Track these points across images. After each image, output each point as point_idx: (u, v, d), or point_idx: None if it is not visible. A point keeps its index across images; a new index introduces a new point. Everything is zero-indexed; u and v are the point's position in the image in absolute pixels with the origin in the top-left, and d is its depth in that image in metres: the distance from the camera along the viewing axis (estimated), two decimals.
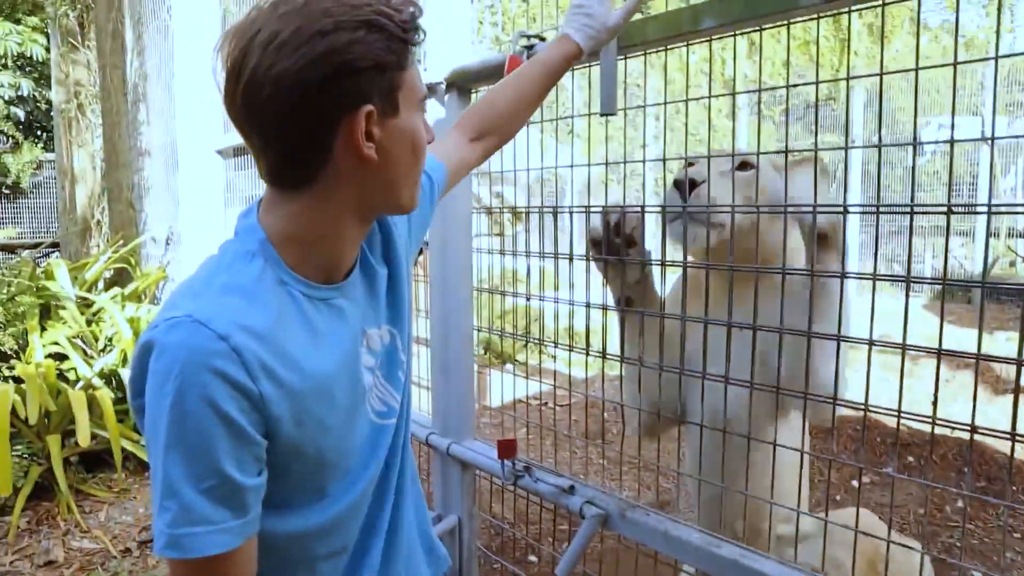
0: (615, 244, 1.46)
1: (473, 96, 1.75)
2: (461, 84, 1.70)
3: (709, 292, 1.34)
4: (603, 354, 1.58)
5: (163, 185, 4.85)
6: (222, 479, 0.77)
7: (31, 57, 12.72)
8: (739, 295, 1.26)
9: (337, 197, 0.86)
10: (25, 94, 13.30)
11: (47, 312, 4.21)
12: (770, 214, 1.30)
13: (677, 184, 1.36)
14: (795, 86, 1.18)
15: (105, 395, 3.47)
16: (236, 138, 3.15)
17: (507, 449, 1.61)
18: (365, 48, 0.80)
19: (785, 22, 1.09)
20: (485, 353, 5.70)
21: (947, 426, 0.99)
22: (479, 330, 1.91)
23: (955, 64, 0.96)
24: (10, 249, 10.30)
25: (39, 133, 14.38)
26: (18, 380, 3.53)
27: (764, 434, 1.26)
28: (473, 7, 1.67)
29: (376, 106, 0.83)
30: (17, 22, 13.14)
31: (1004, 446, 2.11)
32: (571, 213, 1.58)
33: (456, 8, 1.75)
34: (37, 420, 3.25)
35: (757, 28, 1.12)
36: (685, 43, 1.24)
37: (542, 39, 1.44)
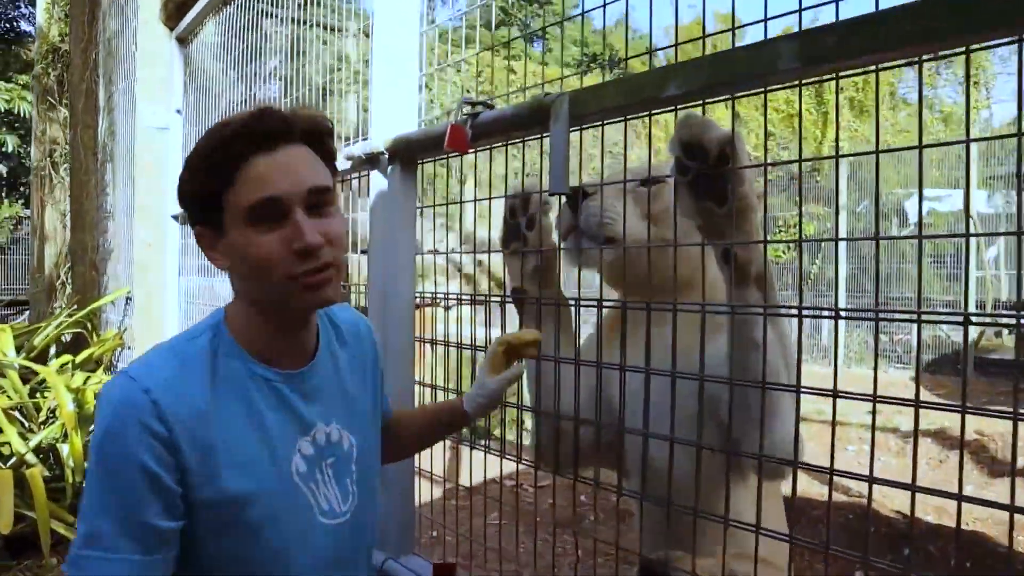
0: (517, 228, 1.31)
1: (419, 169, 1.56)
2: (404, 154, 1.52)
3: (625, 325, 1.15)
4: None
5: (125, 248, 4.65)
6: (130, 514, 0.85)
7: (19, 114, 12.68)
8: (657, 332, 1.08)
9: (239, 291, 1.01)
10: (9, 150, 13.21)
11: None
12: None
13: (568, 200, 1.23)
14: (773, 164, 1.00)
15: (37, 473, 3.18)
16: None
17: (444, 573, 1.38)
18: (189, 183, 0.95)
19: (762, 89, 0.91)
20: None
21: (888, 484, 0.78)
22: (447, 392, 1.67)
23: (920, 148, 0.80)
24: None
25: (21, 189, 14.23)
26: None
27: (715, 505, 1.03)
28: (420, 74, 1.50)
29: (205, 227, 0.97)
30: (8, 80, 13.14)
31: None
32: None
33: (404, 74, 1.59)
34: None
35: (730, 96, 0.94)
36: (647, 112, 1.06)
37: (489, 106, 1.27)
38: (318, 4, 2.21)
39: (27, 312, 8.47)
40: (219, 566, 0.93)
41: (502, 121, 1.22)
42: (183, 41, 3.20)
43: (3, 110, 12.66)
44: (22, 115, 12.49)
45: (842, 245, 9.00)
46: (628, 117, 1.10)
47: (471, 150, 1.32)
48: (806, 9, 0.88)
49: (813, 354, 9.03)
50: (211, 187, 0.93)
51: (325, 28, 2.27)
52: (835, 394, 0.88)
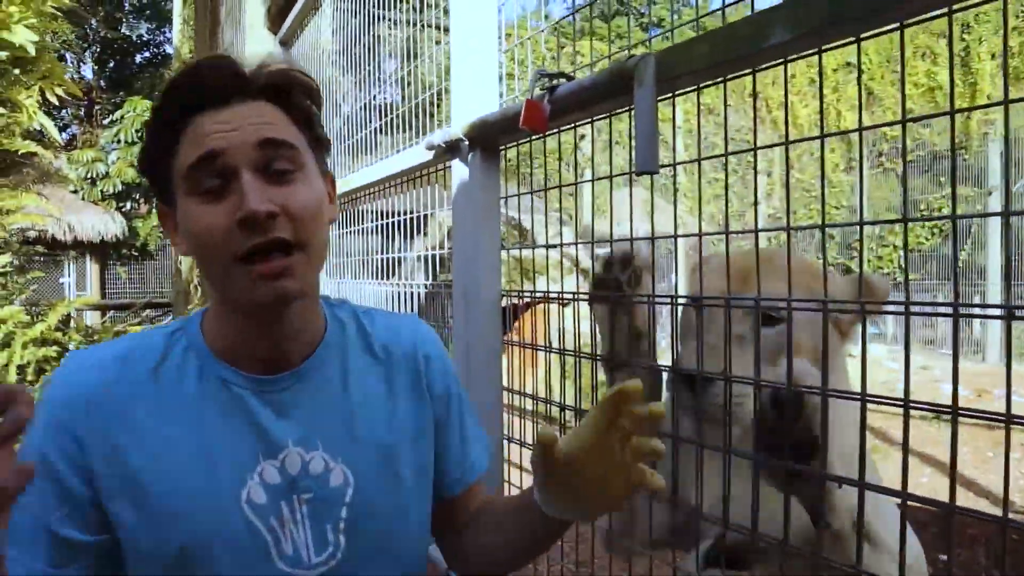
0: (617, 283, 1.11)
1: (502, 155, 1.43)
2: (484, 141, 1.39)
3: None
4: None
5: None
6: (35, 518, 0.75)
7: None
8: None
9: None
10: None
11: None
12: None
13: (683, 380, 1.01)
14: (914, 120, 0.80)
15: None
16: None
17: None
18: (139, 152, 0.82)
19: (896, 25, 0.71)
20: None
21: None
22: (564, 408, 1.54)
23: None
24: (129, 308, 10.80)
25: None
26: None
27: None
28: (501, 52, 1.37)
29: (163, 205, 0.82)
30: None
31: None
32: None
33: (482, 52, 1.46)
34: None
35: (854, 38, 0.75)
36: (749, 69, 0.88)
37: (568, 78, 1.12)
38: (432, 6, 2.11)
39: (170, 315, 9.10)
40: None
41: (581, 92, 1.07)
42: (286, 43, 3.22)
43: None
44: None
45: (996, 229, 8.18)
46: (727, 77, 0.92)
47: (550, 129, 1.17)
48: None
49: (963, 349, 8.23)
50: (156, 154, 0.79)
51: (438, 29, 2.19)
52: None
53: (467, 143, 1.41)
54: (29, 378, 3.54)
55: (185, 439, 0.78)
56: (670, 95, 1.00)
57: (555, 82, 1.11)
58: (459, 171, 1.47)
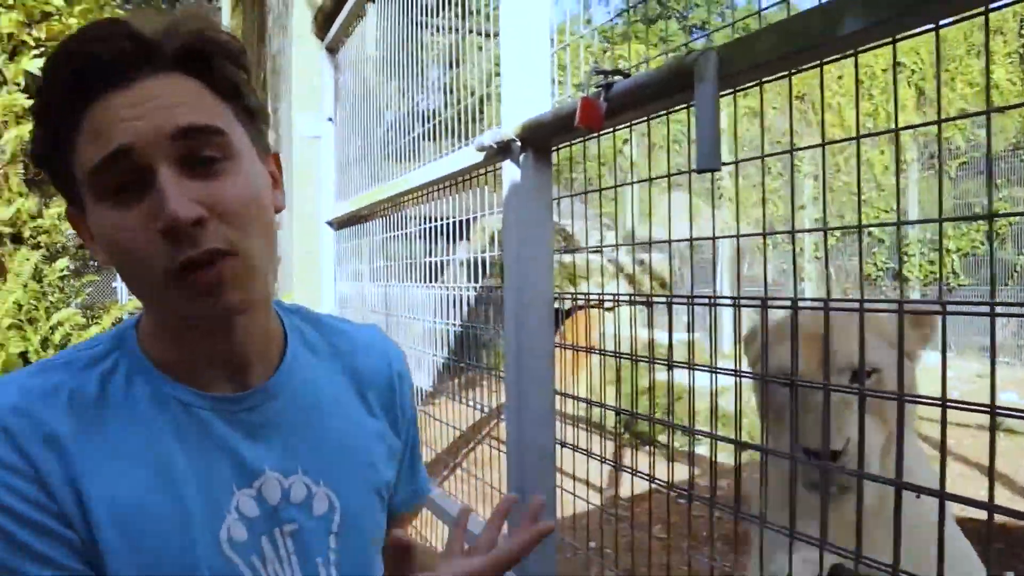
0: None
1: (553, 156, 1.42)
2: (536, 141, 1.38)
3: None
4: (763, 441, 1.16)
5: (288, 257, 4.88)
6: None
7: None
8: None
9: None
10: None
11: None
12: None
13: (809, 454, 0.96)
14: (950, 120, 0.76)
15: None
16: (343, 208, 3.00)
17: None
18: (33, 142, 0.67)
19: (981, 9, 0.68)
20: (625, 433, 5.28)
21: None
22: (620, 412, 1.51)
23: None
24: None
25: None
26: None
27: None
28: (552, 49, 1.35)
29: (71, 206, 0.69)
30: None
31: None
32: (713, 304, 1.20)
33: (534, 51, 1.45)
34: None
35: (933, 25, 0.72)
36: (817, 61, 0.85)
37: (624, 75, 1.10)
38: (475, 13, 2.11)
39: None
40: None
41: (638, 90, 1.05)
42: (332, 50, 3.26)
43: None
44: None
45: None
46: (792, 71, 0.89)
47: (606, 128, 1.16)
48: None
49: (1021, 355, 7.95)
50: (50, 149, 0.65)
51: (481, 34, 2.20)
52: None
53: (519, 144, 1.40)
54: None
55: (148, 478, 0.66)
56: (731, 91, 0.97)
57: (610, 79, 1.09)
58: (510, 172, 1.46)
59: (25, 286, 3.62)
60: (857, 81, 0.80)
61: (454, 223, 2.04)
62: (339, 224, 3.21)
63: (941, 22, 0.71)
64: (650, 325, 1.32)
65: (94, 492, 0.63)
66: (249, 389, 0.73)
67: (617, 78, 1.10)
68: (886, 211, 11.29)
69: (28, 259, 3.63)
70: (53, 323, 3.64)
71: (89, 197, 0.64)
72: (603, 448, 1.84)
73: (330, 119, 3.25)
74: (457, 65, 2.29)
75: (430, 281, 2.23)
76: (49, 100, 0.64)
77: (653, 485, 1.20)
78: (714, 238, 1.08)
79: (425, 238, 2.31)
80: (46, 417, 0.64)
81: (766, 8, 0.97)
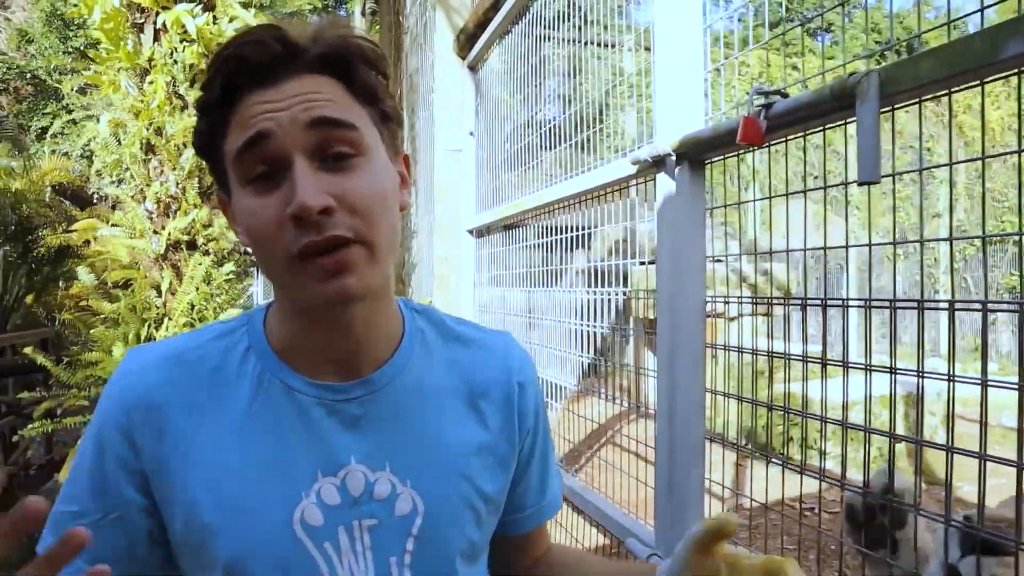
0: (878, 522, 1.12)
1: (706, 169, 1.52)
2: (692, 155, 1.49)
3: None
4: (893, 442, 1.23)
5: (426, 263, 5.16)
6: (70, 508, 0.72)
7: None
8: None
9: None
10: None
11: None
12: None
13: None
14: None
15: None
16: (485, 218, 3.20)
17: None
18: (195, 133, 0.73)
19: None
20: (746, 444, 5.23)
21: None
22: (771, 408, 1.62)
23: None
24: None
25: None
26: None
27: None
28: (706, 71, 1.46)
29: (222, 192, 0.75)
30: None
31: None
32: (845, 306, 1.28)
33: (688, 73, 1.56)
34: None
35: None
36: (978, 81, 0.92)
37: (783, 95, 1.20)
38: (593, 23, 2.27)
39: None
40: None
41: (799, 109, 1.15)
42: (473, 68, 3.47)
43: None
44: None
45: None
46: (952, 90, 0.97)
47: (766, 143, 1.26)
48: None
49: None
50: (207, 138, 0.72)
51: (600, 45, 2.33)
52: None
53: (674, 157, 1.52)
54: None
55: (237, 448, 0.71)
56: (888, 108, 1.06)
57: (770, 99, 1.19)
58: (664, 184, 1.57)
59: (197, 289, 4.00)
60: (1020, 99, 0.87)
61: (588, 234, 2.18)
62: (478, 232, 3.42)
63: None
64: (770, 335, 1.40)
65: (181, 454, 0.71)
66: (354, 379, 0.76)
67: (776, 98, 1.20)
68: None
69: (200, 263, 4.01)
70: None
71: (234, 182, 0.70)
72: (723, 457, 1.91)
73: (471, 133, 3.47)
74: (579, 75, 2.42)
75: (571, 286, 2.38)
76: (208, 96, 0.70)
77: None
78: (847, 246, 1.16)
79: (562, 247, 2.46)
80: (156, 381, 0.73)
81: (928, 30, 1.05)
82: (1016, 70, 0.88)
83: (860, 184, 1.03)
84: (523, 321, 2.77)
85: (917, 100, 1.02)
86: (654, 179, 1.62)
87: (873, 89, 0.99)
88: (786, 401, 1.55)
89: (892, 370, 1.09)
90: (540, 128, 2.61)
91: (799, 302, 1.22)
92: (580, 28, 2.40)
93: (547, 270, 2.59)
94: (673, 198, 1.53)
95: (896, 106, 1.05)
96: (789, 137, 1.27)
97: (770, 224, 1.50)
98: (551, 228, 2.54)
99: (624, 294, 2.03)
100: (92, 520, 0.70)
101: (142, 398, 0.72)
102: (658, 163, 1.57)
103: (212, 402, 0.73)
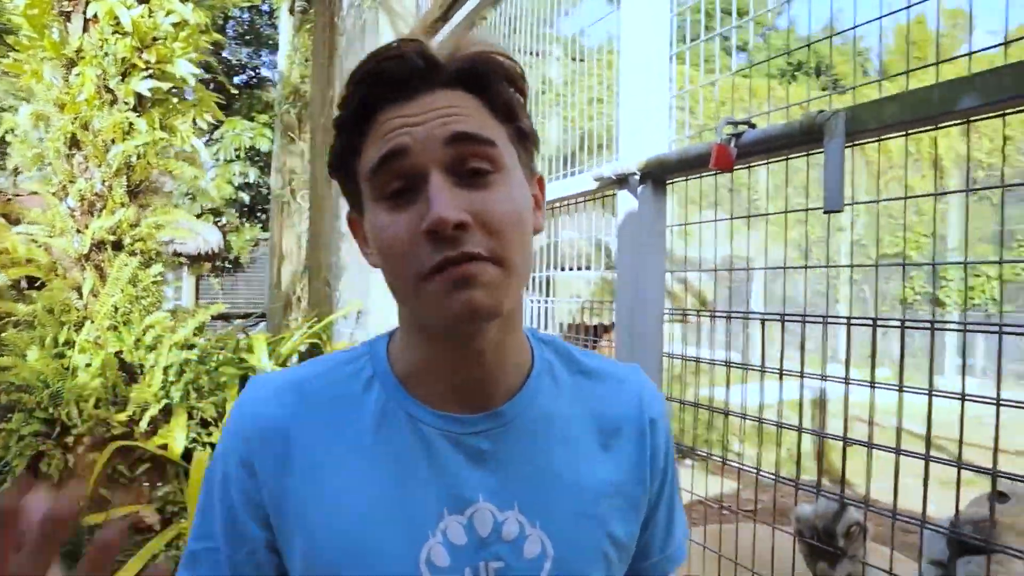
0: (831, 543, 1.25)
1: (668, 188, 1.62)
2: (656, 175, 1.58)
3: None
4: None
5: (356, 266, 5.13)
6: (207, 545, 0.71)
7: (259, 149, 14.38)
8: None
9: None
10: (251, 181, 14.94)
11: (244, 383, 4.48)
12: None
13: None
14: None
15: None
16: None
17: None
18: (331, 152, 0.71)
19: None
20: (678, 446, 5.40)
21: None
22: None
23: None
24: (225, 318, 11.37)
25: (259, 215, 16.08)
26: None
27: None
28: (670, 92, 1.56)
29: (352, 211, 0.74)
30: (251, 119, 14.91)
31: None
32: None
33: (654, 97, 1.65)
34: None
35: None
36: (934, 126, 1.04)
37: (751, 125, 1.30)
38: (519, 32, 2.34)
39: (261, 323, 9.49)
40: None
41: (768, 140, 1.25)
42: None
43: (248, 146, 14.38)
44: (260, 150, 14.21)
45: None
46: (909, 132, 1.09)
47: (735, 168, 1.36)
48: None
49: None
50: (342, 156, 0.70)
51: (531, 54, 2.40)
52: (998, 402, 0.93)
53: (637, 176, 1.61)
54: (171, 379, 3.87)
55: (360, 484, 0.68)
56: (850, 144, 1.17)
57: (739, 129, 1.29)
58: (626, 201, 1.66)
59: (122, 291, 3.86)
60: (969, 145, 1.00)
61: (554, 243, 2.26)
62: None
63: None
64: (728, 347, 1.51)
65: (303, 487, 0.68)
66: (483, 412, 0.71)
67: (744, 128, 1.30)
68: (925, 236, 11.34)
69: (127, 264, 3.86)
70: (145, 325, 3.87)
71: (368, 199, 0.68)
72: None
73: None
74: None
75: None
76: (345, 113, 0.68)
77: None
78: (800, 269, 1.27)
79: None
80: (277, 410, 0.71)
81: (892, 76, 1.17)
82: (965, 120, 1.00)
83: (826, 212, 1.14)
84: None
85: (878, 139, 1.13)
86: (614, 194, 1.71)
87: (840, 127, 1.10)
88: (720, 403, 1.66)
89: (864, 382, 1.20)
90: None
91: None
92: (506, 36, 2.47)
93: None
94: (636, 214, 1.62)
95: (857, 142, 1.17)
96: (752, 164, 1.38)
97: (736, 242, 1.60)
98: None
99: (580, 303, 2.12)
100: (228, 555, 0.70)
101: (262, 427, 0.70)
102: (621, 180, 1.66)
103: (334, 432, 0.70)
